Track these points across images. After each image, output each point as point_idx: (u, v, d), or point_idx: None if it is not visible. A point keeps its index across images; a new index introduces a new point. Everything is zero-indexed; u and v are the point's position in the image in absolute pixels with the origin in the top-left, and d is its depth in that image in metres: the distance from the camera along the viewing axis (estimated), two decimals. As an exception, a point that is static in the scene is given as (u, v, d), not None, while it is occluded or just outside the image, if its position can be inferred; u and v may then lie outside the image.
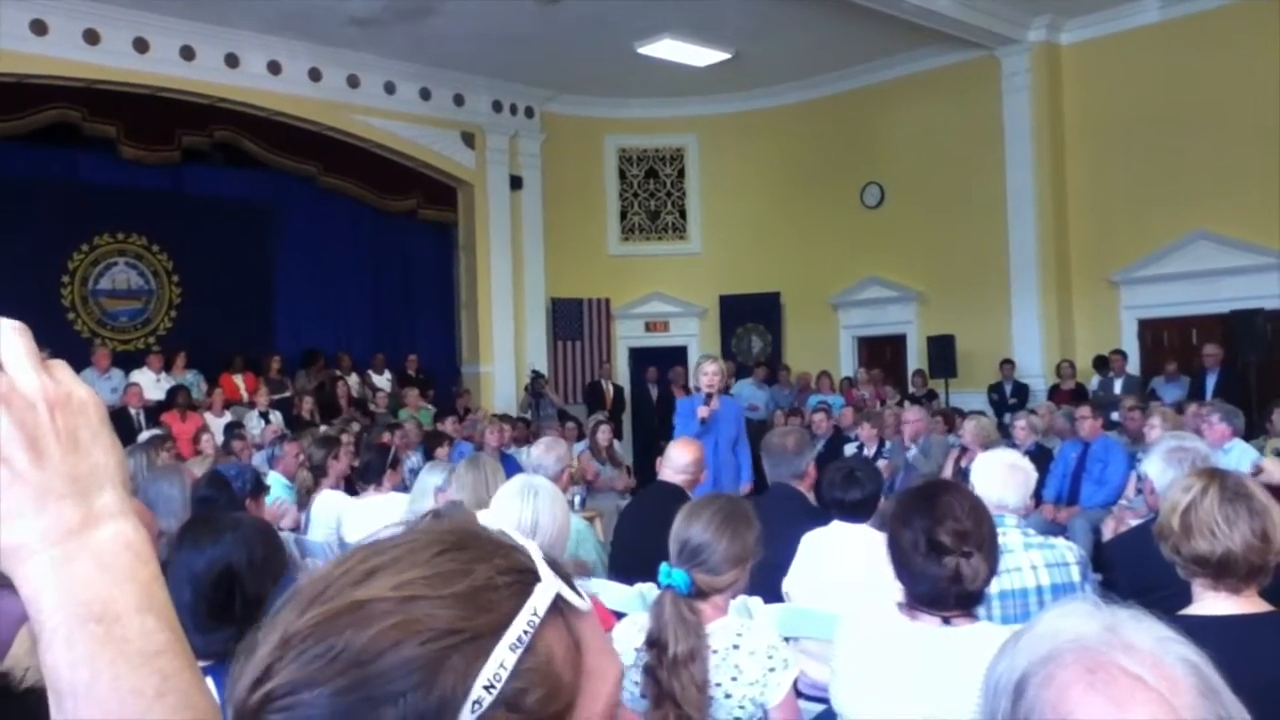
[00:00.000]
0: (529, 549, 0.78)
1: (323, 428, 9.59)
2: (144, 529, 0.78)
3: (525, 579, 0.75)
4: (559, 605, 0.75)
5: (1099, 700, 0.88)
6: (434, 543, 0.75)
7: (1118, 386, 11.45)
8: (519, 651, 0.71)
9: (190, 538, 2.39)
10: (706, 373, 6.82)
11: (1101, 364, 11.98)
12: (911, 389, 13.02)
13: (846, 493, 3.95)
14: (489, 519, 3.60)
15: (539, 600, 0.74)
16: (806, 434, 5.71)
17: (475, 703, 0.69)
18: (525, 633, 0.72)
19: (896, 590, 2.40)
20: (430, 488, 4.85)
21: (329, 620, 0.70)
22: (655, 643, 2.42)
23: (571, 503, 6.66)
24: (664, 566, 2.54)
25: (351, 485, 6.12)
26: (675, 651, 2.39)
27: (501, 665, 0.70)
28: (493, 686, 0.70)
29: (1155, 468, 3.59)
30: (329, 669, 0.68)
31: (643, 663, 2.44)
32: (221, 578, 2.28)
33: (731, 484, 6.53)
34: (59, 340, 11.24)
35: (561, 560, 0.81)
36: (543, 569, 0.76)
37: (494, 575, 0.74)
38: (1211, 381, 10.94)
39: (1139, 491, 3.99)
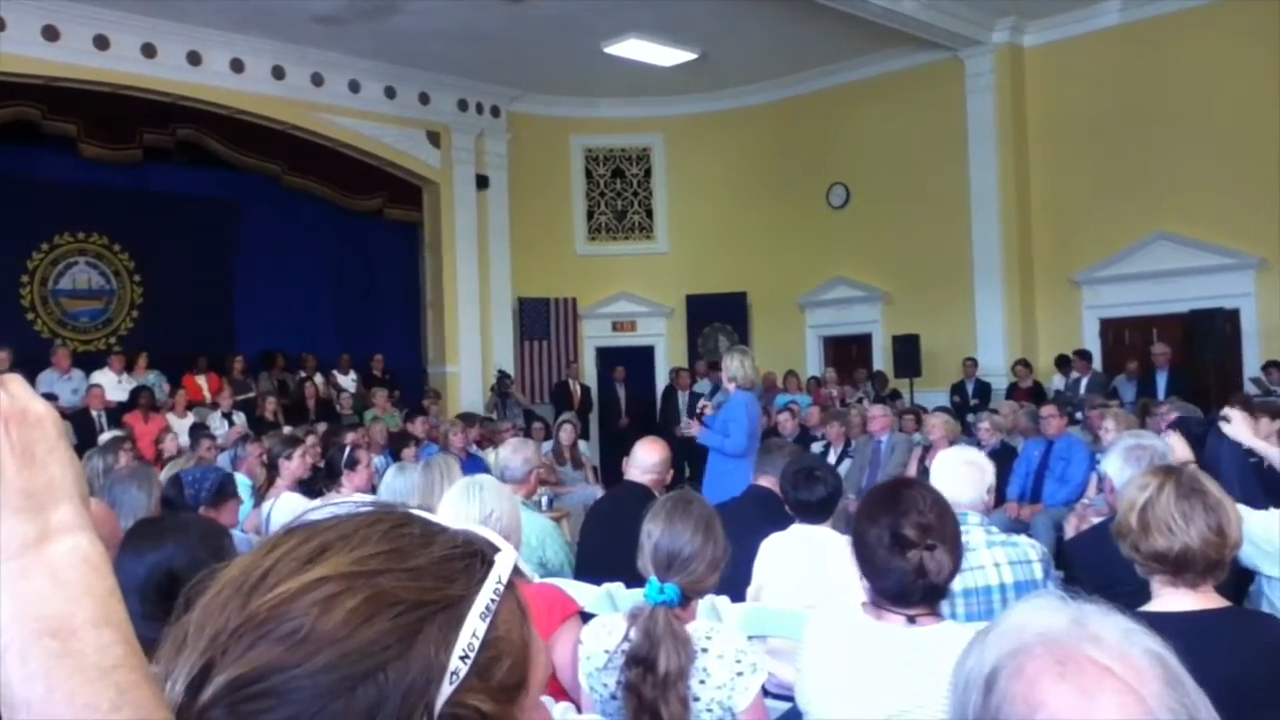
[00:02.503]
0: (470, 526, 0.79)
1: (285, 429, 9.52)
2: (100, 543, 0.77)
3: (481, 549, 0.76)
4: (514, 575, 0.76)
5: (1068, 690, 0.89)
6: (381, 520, 0.76)
7: (1083, 386, 11.57)
8: (487, 620, 0.72)
9: (131, 544, 2.33)
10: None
11: (1063, 363, 12.10)
12: (870, 388, 13.09)
13: (805, 491, 3.96)
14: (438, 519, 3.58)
15: (502, 568, 0.75)
16: (798, 447, 5.71)
17: (453, 674, 0.70)
18: (492, 601, 0.73)
19: (861, 590, 2.41)
20: (406, 490, 4.81)
21: (289, 601, 0.70)
22: (643, 660, 2.39)
23: (539, 503, 6.65)
24: (653, 582, 2.51)
25: (311, 488, 6.05)
26: (667, 669, 2.37)
27: (474, 635, 0.71)
28: (467, 656, 0.71)
29: (1114, 466, 3.62)
30: (300, 650, 0.68)
31: (625, 679, 2.43)
32: (162, 583, 2.19)
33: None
34: (18, 341, 11.10)
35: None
36: (497, 539, 0.78)
37: (451, 548, 0.74)
38: (1162, 380, 11.09)
39: (1100, 490, 4.03)
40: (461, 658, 0.70)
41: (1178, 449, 3.73)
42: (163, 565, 2.23)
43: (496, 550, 0.77)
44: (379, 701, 0.68)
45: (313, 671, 0.67)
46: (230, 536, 2.35)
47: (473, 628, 0.71)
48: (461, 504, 3.07)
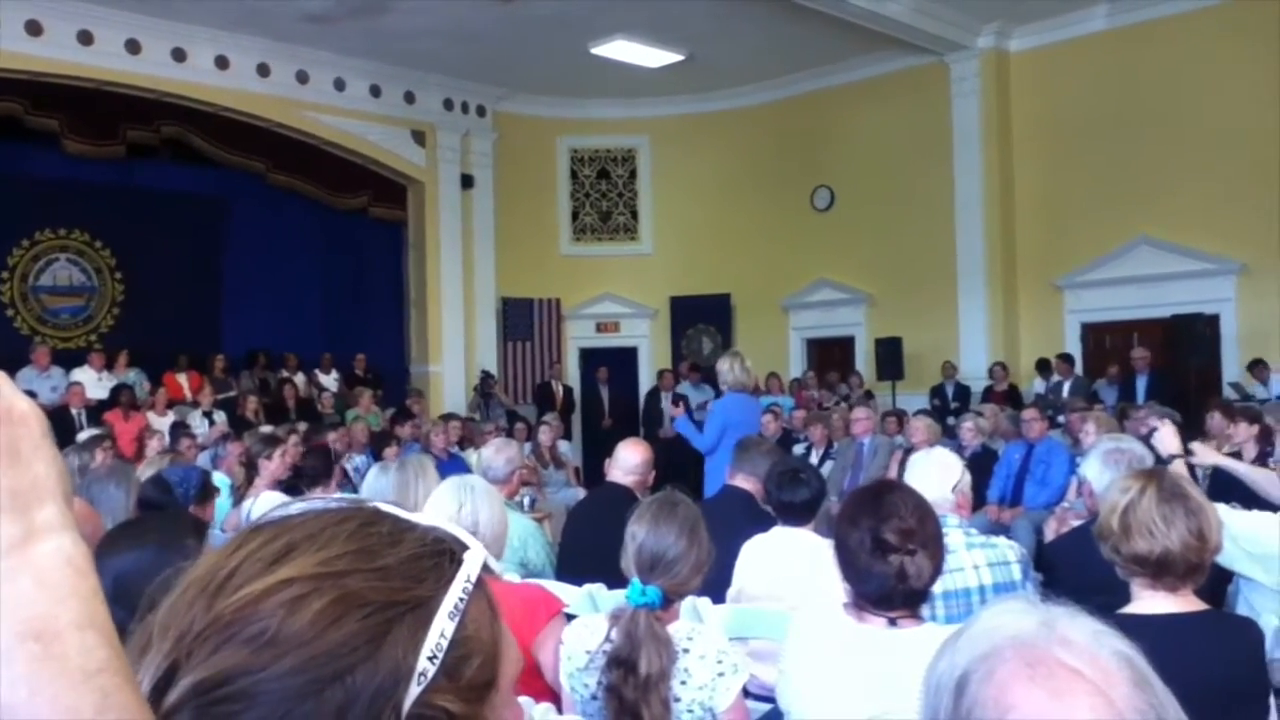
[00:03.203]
0: (440, 523, 0.79)
1: (263, 428, 9.49)
2: (84, 544, 0.76)
3: (451, 547, 0.76)
4: (484, 572, 0.76)
5: (1039, 694, 0.89)
6: (348, 518, 0.75)
7: (1065, 389, 11.63)
8: (456, 619, 0.72)
9: (101, 551, 2.30)
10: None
11: (1044, 367, 12.16)
12: (846, 390, 13.13)
13: (788, 493, 3.97)
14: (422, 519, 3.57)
15: (471, 567, 0.75)
16: (779, 448, 5.74)
17: (420, 675, 0.69)
18: (461, 600, 0.73)
19: (843, 592, 2.42)
20: (388, 490, 4.79)
21: (255, 602, 0.69)
22: (624, 662, 2.39)
23: (521, 504, 6.63)
24: (634, 583, 2.50)
25: (292, 488, 6.03)
26: (648, 672, 2.37)
27: (442, 634, 0.71)
28: (435, 656, 0.70)
29: (1093, 469, 3.64)
30: (266, 652, 0.67)
31: (606, 680, 2.43)
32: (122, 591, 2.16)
33: None
34: (-3, 337, 11.03)
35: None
36: (466, 537, 0.77)
37: (419, 546, 0.74)
38: (1142, 384, 11.16)
39: (1080, 493, 4.05)
40: (430, 658, 0.70)
41: (1168, 440, 3.74)
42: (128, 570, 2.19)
43: (465, 548, 0.77)
44: (347, 704, 0.67)
45: (280, 674, 0.67)
46: (197, 540, 2.28)
47: (440, 627, 0.71)
48: (450, 505, 3.06)
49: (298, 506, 0.79)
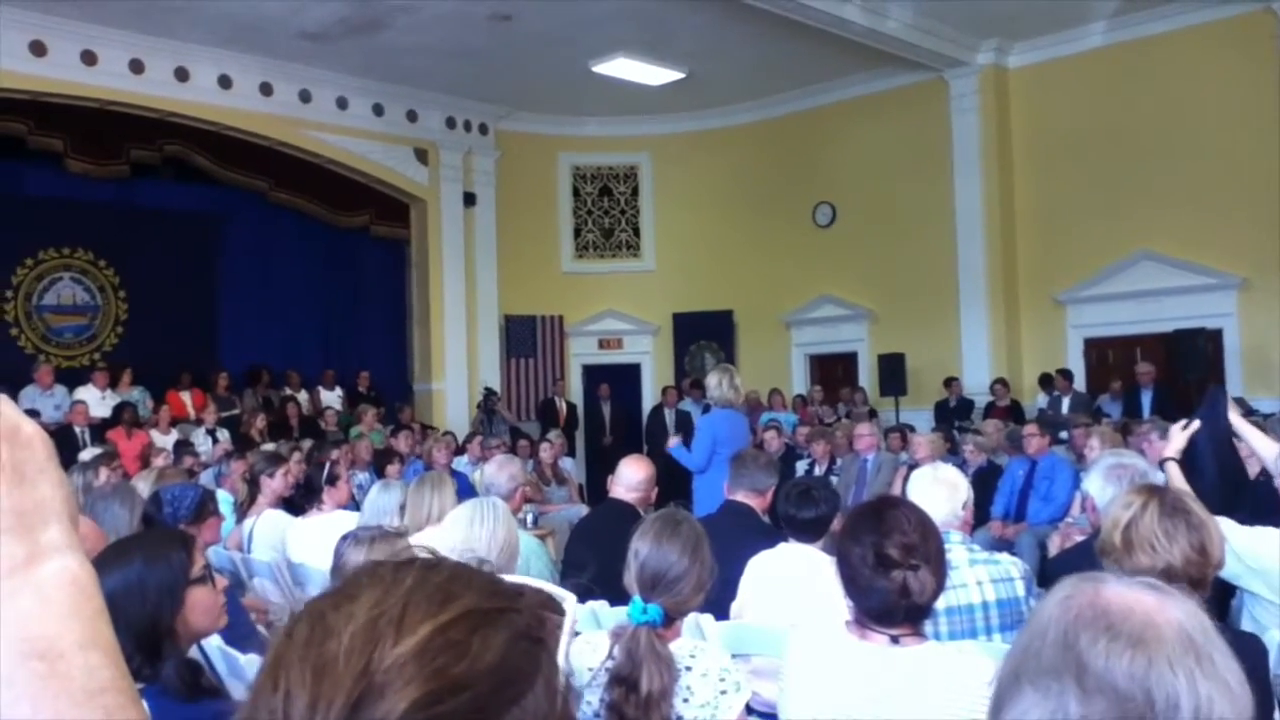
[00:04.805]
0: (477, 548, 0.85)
1: (265, 446, 9.49)
2: (89, 564, 0.77)
3: (555, 597, 0.82)
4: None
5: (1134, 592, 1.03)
6: (469, 564, 0.80)
7: (1065, 405, 11.61)
8: (565, 659, 0.78)
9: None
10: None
11: (1047, 382, 12.15)
12: (850, 407, 13.12)
13: (801, 510, 3.97)
14: (441, 537, 3.58)
15: (570, 615, 0.81)
16: (776, 462, 5.74)
17: (563, 698, 0.75)
18: (569, 642, 0.80)
19: (846, 609, 2.42)
20: (390, 507, 4.80)
21: (442, 633, 0.72)
22: (625, 680, 2.38)
23: (524, 521, 6.64)
24: (636, 601, 2.50)
25: (294, 505, 6.04)
26: (650, 690, 2.36)
27: (562, 671, 0.77)
28: (560, 690, 0.76)
29: (1095, 485, 3.64)
30: (469, 672, 0.70)
31: (608, 698, 2.42)
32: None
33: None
34: (1, 357, 11.04)
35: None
36: (559, 591, 0.84)
37: (535, 594, 0.80)
38: (1147, 399, 11.15)
39: (1083, 509, 4.05)
40: (560, 692, 0.75)
41: (1172, 444, 3.74)
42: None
43: (563, 599, 0.83)
44: None
45: (474, 697, 0.70)
46: (183, 556, 2.28)
47: (561, 664, 0.76)
48: (475, 524, 3.09)
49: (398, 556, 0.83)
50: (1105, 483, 3.57)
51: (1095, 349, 12.67)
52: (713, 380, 6.88)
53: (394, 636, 0.71)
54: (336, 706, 0.68)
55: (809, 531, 3.97)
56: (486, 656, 0.71)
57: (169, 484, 4.80)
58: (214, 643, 3.32)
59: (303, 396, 12.98)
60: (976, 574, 3.23)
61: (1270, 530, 3.24)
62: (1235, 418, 3.84)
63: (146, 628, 2.09)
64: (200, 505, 4.24)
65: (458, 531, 3.15)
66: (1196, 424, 3.76)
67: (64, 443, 9.93)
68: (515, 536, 3.18)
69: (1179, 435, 3.74)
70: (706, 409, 7.31)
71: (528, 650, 0.74)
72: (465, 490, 6.56)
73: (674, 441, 7.09)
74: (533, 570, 4.48)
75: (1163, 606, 0.99)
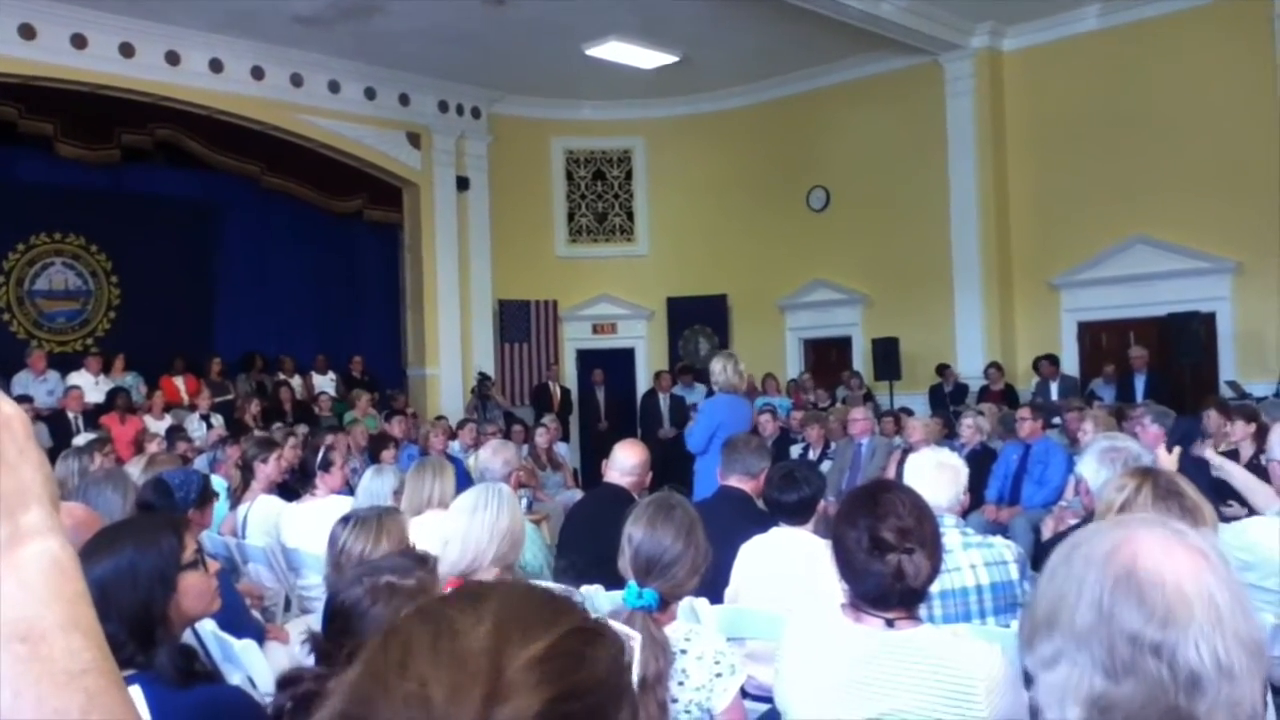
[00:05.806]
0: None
1: (259, 431, 9.47)
2: (70, 547, 0.76)
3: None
4: None
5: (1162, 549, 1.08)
6: (537, 588, 0.89)
7: (1053, 389, 11.63)
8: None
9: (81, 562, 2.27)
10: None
11: (1041, 366, 12.16)
12: (847, 390, 13.12)
13: (784, 493, 3.97)
14: (441, 522, 3.58)
15: (636, 648, 0.90)
16: (767, 446, 5.75)
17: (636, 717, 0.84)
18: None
19: (841, 592, 2.42)
20: (384, 492, 4.80)
21: (564, 639, 0.78)
22: None
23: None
24: (631, 586, 2.50)
25: (288, 490, 6.03)
26: (644, 674, 2.36)
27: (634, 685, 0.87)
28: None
29: (1089, 468, 3.65)
30: (587, 680, 0.78)
31: None
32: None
33: None
34: (-7, 342, 11.00)
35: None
36: (624, 629, 0.91)
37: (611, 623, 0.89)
38: (1140, 383, 11.17)
39: (1077, 492, 4.05)
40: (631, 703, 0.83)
41: (1162, 459, 3.76)
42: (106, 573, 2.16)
43: (629, 637, 0.90)
44: None
45: (593, 703, 0.77)
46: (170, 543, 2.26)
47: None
48: (476, 511, 3.09)
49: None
50: (1099, 466, 3.57)
51: (1089, 333, 12.68)
52: (717, 365, 6.95)
53: (520, 641, 0.76)
54: (475, 697, 0.72)
55: (795, 514, 3.97)
56: (599, 668, 0.78)
57: (169, 470, 4.79)
58: (208, 627, 3.32)
59: (296, 382, 12.97)
60: (970, 558, 3.24)
61: (1259, 519, 3.25)
62: (1219, 461, 3.85)
63: (139, 614, 2.08)
64: (204, 490, 4.27)
65: (461, 518, 3.15)
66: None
67: (58, 428, 9.92)
68: (520, 524, 3.18)
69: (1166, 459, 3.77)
70: (710, 394, 7.34)
71: (624, 669, 0.83)
72: (460, 475, 6.55)
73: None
74: (527, 555, 4.48)
75: (1195, 571, 1.05)
